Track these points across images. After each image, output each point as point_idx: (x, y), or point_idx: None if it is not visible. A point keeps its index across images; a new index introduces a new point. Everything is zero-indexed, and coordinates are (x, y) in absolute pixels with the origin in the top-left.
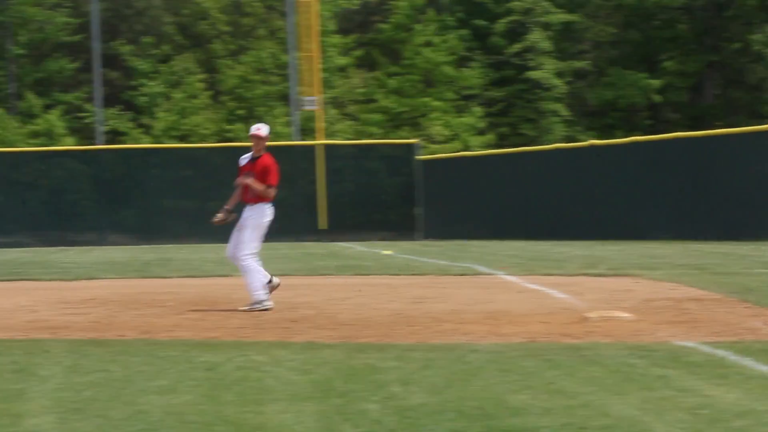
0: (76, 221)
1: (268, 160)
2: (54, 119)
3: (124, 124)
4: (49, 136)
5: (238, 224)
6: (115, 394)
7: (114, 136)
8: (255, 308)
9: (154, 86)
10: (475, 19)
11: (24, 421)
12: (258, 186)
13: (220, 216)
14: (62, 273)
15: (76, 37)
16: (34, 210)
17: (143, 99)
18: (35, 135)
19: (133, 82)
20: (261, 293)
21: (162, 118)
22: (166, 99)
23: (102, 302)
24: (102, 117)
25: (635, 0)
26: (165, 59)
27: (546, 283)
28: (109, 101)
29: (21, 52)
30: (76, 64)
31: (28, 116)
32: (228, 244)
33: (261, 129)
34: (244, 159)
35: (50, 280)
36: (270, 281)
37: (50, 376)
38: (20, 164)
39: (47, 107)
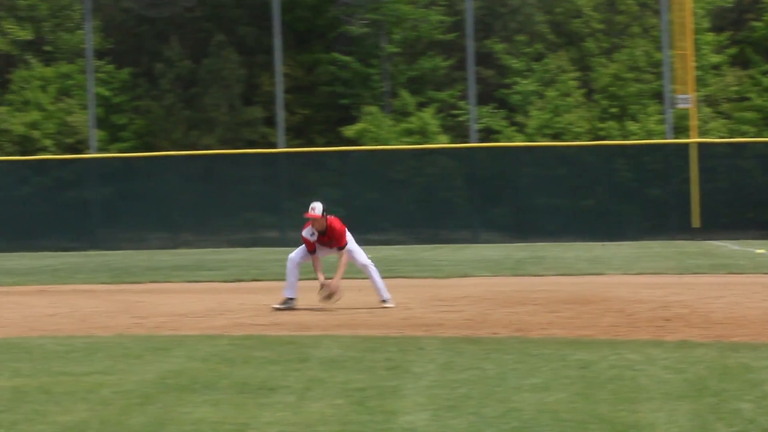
0: (449, 219)
1: (335, 225)
2: (427, 117)
3: (497, 122)
4: (423, 134)
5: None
6: (488, 391)
7: (487, 134)
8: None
9: (528, 84)
10: None
11: (398, 417)
12: (341, 270)
13: (325, 293)
14: (435, 271)
15: (450, 36)
16: (407, 208)
17: (516, 97)
18: (409, 133)
19: (507, 80)
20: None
21: (535, 116)
22: (539, 97)
23: (475, 300)
24: (476, 115)
25: None
26: (538, 57)
27: None
28: (483, 99)
29: (395, 50)
30: (449, 62)
31: (401, 114)
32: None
33: (315, 209)
34: (312, 235)
35: (423, 277)
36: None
37: (424, 373)
38: (394, 162)
39: (421, 105)
